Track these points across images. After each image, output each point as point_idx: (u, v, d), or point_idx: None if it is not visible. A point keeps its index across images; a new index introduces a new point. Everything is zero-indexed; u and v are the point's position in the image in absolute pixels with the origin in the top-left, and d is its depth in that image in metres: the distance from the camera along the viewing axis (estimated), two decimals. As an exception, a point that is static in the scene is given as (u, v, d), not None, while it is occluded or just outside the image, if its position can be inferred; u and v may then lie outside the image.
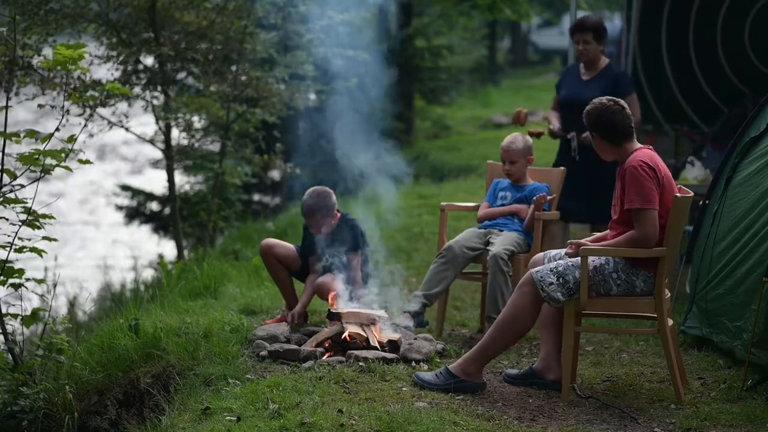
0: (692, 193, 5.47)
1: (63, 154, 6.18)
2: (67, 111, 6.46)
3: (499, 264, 6.35)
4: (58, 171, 6.35)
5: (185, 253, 10.86)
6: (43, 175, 6.23)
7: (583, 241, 5.56)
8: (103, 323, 7.05)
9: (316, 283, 6.53)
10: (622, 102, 5.49)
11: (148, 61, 10.29)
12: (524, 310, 5.39)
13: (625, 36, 11.61)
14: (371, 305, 6.51)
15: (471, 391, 5.42)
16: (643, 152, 5.38)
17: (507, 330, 5.42)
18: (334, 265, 6.52)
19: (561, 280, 5.34)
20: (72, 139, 6.22)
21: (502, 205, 6.85)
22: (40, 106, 8.58)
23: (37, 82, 8.90)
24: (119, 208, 14.71)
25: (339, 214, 6.58)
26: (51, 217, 6.34)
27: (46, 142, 6.06)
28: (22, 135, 6.11)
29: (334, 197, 6.57)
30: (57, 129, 6.24)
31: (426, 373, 5.56)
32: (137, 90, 9.99)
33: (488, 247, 6.48)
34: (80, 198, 19.07)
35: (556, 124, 7.67)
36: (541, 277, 5.36)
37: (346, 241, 6.55)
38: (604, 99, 5.51)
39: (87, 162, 6.55)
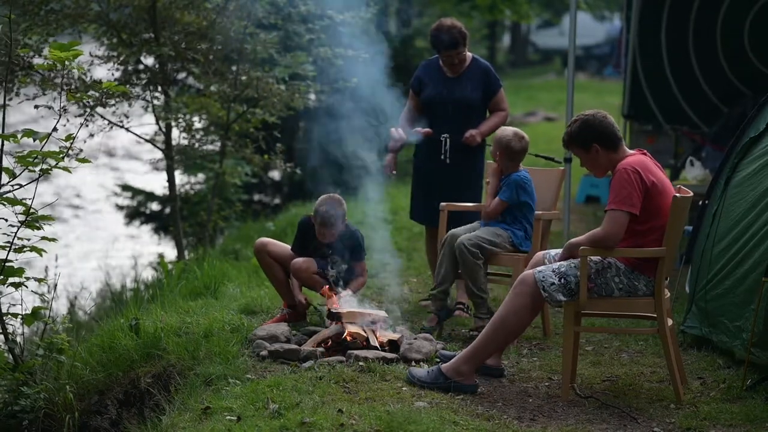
0: (692, 193, 5.47)
1: (61, 155, 6.15)
2: (65, 110, 6.42)
3: (464, 253, 6.36)
4: (60, 171, 6.33)
5: (185, 253, 10.86)
6: (41, 174, 6.20)
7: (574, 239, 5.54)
8: (104, 323, 7.06)
9: (291, 264, 6.59)
10: (601, 111, 5.49)
11: (149, 61, 10.29)
12: (521, 310, 5.37)
13: (625, 36, 11.64)
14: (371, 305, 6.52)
15: (462, 392, 5.41)
16: (634, 157, 5.39)
17: (502, 330, 5.40)
18: (339, 272, 6.55)
19: (563, 280, 5.33)
20: (70, 137, 6.19)
21: None
22: (36, 107, 8.56)
23: (38, 83, 8.90)
24: (119, 207, 14.71)
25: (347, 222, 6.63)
26: (50, 218, 6.33)
27: (44, 142, 6.02)
28: (19, 135, 6.09)
29: (345, 204, 6.61)
30: (55, 129, 6.19)
31: (419, 369, 5.57)
32: (137, 90, 9.99)
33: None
34: (82, 198, 19.07)
35: (418, 129, 7.21)
36: (543, 277, 5.35)
37: (350, 249, 6.58)
38: (587, 112, 5.46)
39: (86, 161, 6.54)
